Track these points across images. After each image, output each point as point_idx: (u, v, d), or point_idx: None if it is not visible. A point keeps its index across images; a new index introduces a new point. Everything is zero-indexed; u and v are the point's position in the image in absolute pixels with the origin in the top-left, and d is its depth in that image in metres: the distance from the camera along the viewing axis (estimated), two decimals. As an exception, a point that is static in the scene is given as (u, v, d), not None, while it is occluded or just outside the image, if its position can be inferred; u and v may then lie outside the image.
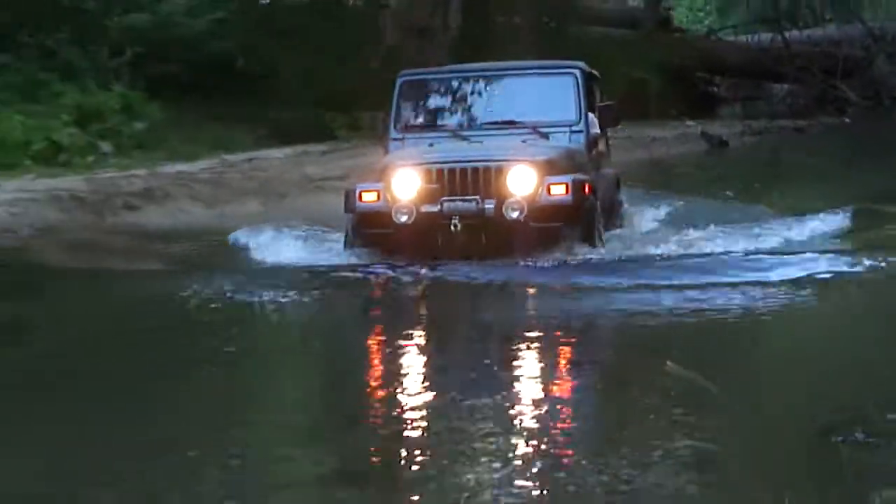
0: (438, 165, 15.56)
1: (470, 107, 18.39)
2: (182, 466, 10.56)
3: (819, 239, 21.87)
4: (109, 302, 19.50)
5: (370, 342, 15.12)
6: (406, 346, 14.57)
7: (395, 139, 17.34)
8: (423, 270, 16.09)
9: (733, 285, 17.64)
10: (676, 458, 10.79)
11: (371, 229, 15.56)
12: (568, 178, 15.57)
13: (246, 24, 35.86)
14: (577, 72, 17.93)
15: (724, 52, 46.29)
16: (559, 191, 15.08)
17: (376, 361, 14.47)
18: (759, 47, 46.06)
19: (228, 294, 18.04)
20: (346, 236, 17.04)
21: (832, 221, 23.27)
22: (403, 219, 14.87)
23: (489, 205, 14.84)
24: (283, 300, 17.42)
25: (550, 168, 15.41)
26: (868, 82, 41.57)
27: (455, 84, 18.89)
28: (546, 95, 18.16)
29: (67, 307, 19.21)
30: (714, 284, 17.55)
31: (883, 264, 19.00)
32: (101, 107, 32.53)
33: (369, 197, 15.48)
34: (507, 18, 37.86)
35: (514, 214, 14.55)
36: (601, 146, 19.39)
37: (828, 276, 18.76)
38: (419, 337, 14.95)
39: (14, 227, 25.33)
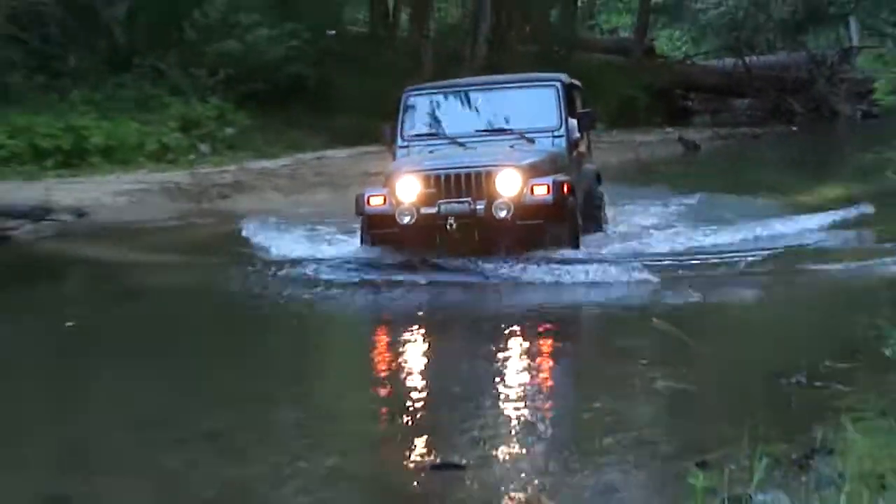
0: (435, 171, 15.33)
1: (465, 116, 18.07)
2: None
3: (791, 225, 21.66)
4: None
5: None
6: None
7: (401, 147, 17.13)
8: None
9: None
10: (656, 394, 10.82)
11: (378, 230, 15.32)
12: (549, 179, 15.28)
13: (315, 51, 35.75)
14: (557, 83, 17.79)
15: (697, 74, 46.40)
16: (541, 191, 14.84)
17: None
18: (724, 70, 46.15)
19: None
20: (361, 235, 16.71)
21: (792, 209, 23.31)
22: (406, 220, 14.63)
23: (480, 205, 14.64)
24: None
25: (534, 171, 15.16)
26: (811, 98, 41.74)
27: (452, 97, 18.53)
28: (531, 105, 17.75)
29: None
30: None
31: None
32: (199, 116, 32.98)
33: (376, 201, 15.20)
34: (525, 47, 37.83)
35: (502, 213, 14.36)
36: (582, 147, 19.01)
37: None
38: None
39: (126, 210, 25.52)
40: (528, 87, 18.46)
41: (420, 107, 17.71)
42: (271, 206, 27.42)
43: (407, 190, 14.74)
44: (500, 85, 19.06)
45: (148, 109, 32.11)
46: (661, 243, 19.59)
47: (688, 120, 41.62)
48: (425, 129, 17.46)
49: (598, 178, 18.09)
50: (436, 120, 17.53)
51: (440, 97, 18.31)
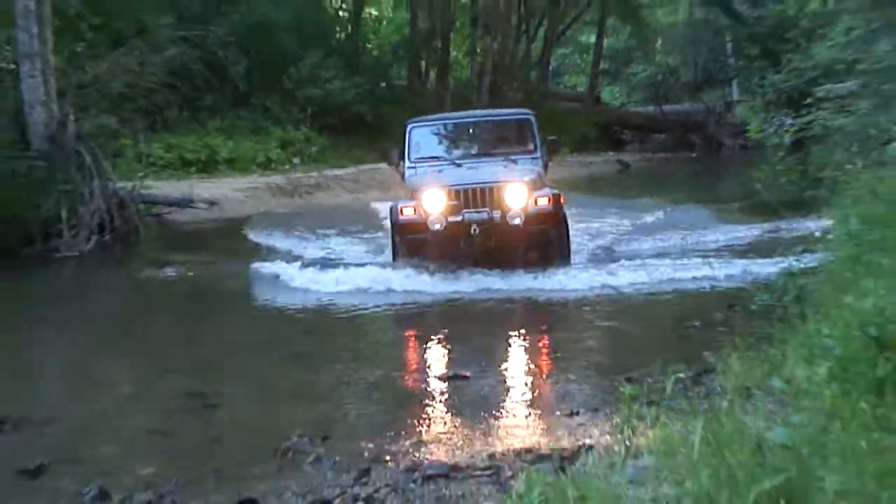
0: (458, 186, 14.09)
1: (460, 142, 16.90)
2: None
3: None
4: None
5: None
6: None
7: (409, 167, 15.81)
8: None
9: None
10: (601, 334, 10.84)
11: (411, 235, 14.38)
12: (548, 191, 14.31)
13: (372, 97, 35.84)
14: (532, 116, 16.55)
15: (629, 116, 46.20)
16: (544, 202, 13.90)
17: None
18: (647, 114, 45.89)
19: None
20: (393, 249, 15.24)
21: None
22: (437, 227, 13.78)
23: (496, 214, 13.66)
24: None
25: (534, 185, 14.12)
26: (705, 135, 41.65)
27: (448, 126, 17.38)
28: (513, 133, 16.84)
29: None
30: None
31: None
32: (293, 139, 32.92)
33: (408, 211, 14.26)
34: (514, 95, 37.66)
35: (516, 220, 13.45)
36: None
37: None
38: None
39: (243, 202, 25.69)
40: (508, 118, 17.68)
41: (422, 135, 16.48)
42: (339, 200, 27.83)
43: (434, 202, 13.80)
44: (486, 117, 18.10)
45: (258, 133, 32.20)
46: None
47: (623, 147, 41.45)
48: (428, 153, 16.15)
49: None
50: (436, 145, 16.57)
51: (438, 127, 17.24)
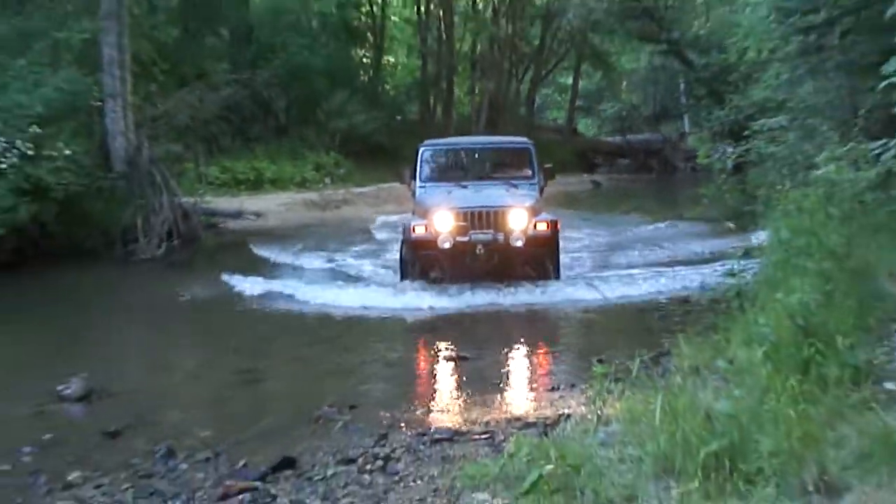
0: (466, 209, 13.11)
1: (466, 166, 15.56)
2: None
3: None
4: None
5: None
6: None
7: (420, 186, 14.64)
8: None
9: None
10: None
11: (423, 251, 13.47)
12: (546, 217, 13.42)
13: (389, 128, 35.82)
14: (531, 145, 15.31)
15: (600, 144, 46.19)
16: (542, 227, 13.01)
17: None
18: (615, 143, 45.96)
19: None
20: (402, 270, 14.30)
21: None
22: (446, 245, 12.96)
23: (500, 236, 12.78)
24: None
25: (533, 210, 13.19)
26: (662, 159, 41.54)
27: (456, 150, 16.25)
28: (514, 159, 15.46)
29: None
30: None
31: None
32: (325, 162, 32.64)
33: (420, 230, 13.35)
34: (505, 128, 37.14)
35: (518, 242, 12.61)
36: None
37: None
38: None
39: (284, 214, 25.61)
40: (510, 145, 16.13)
41: (433, 157, 15.28)
42: (362, 213, 27.72)
43: (444, 222, 12.90)
44: (491, 144, 16.59)
45: (296, 158, 32.02)
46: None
47: (595, 170, 41.07)
48: (437, 174, 15.00)
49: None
50: (445, 167, 15.29)
51: (448, 150, 16.06)
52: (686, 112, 42.33)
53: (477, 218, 13.12)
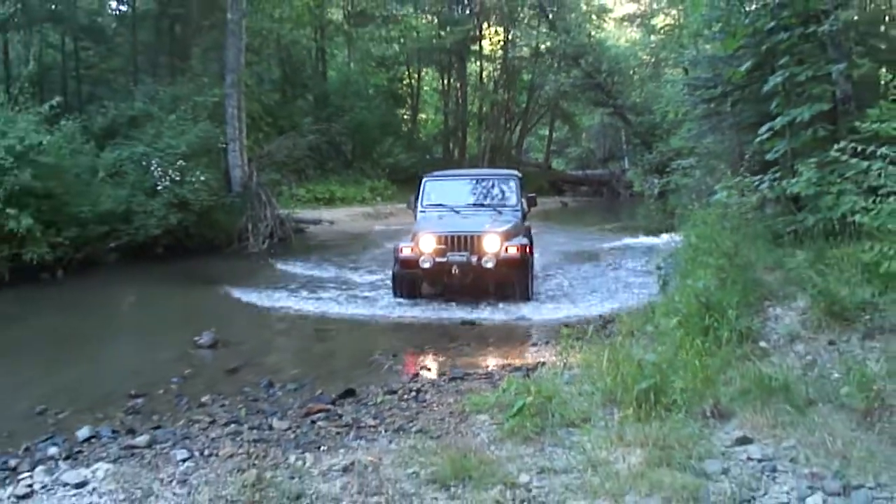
0: (445, 233, 11.26)
1: (461, 194, 12.86)
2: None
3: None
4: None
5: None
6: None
7: (421, 212, 12.64)
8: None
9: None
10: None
11: (408, 269, 11.42)
12: (517, 241, 11.43)
13: (422, 163, 35.46)
14: (516, 177, 13.16)
15: (567, 176, 45.34)
16: (513, 251, 11.09)
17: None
18: (577, 175, 45.34)
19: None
20: (393, 285, 12.07)
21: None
22: (427, 265, 10.98)
23: (474, 258, 10.95)
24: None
25: (506, 235, 11.29)
26: (610, 188, 41.08)
27: (453, 181, 13.54)
28: (501, 188, 12.95)
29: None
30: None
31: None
32: (377, 186, 32.25)
33: (406, 251, 11.40)
34: (501, 162, 36.57)
35: (489, 264, 10.79)
36: (526, 219, 13.30)
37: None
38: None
39: (349, 222, 25.56)
40: (499, 176, 13.51)
41: (433, 186, 13.03)
42: (403, 220, 27.55)
43: (426, 244, 11.13)
44: (483, 175, 13.95)
45: (358, 183, 31.71)
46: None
47: (563, 194, 40.47)
48: (436, 201, 12.72)
49: (530, 231, 13.27)
50: (442, 195, 12.79)
51: (446, 180, 13.55)
52: (626, 154, 42.25)
53: (454, 241, 11.17)
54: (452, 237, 11.12)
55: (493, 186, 12.97)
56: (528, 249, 11.60)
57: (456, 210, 12.29)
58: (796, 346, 5.87)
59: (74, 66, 22.51)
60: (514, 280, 11.29)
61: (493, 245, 10.96)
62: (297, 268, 15.62)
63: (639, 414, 4.89)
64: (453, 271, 10.96)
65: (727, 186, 8.26)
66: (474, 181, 13.24)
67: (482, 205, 12.51)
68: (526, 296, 11.32)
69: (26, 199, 14.01)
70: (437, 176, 13.56)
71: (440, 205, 12.48)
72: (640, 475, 4.04)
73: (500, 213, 12.15)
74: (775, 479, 3.99)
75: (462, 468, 4.37)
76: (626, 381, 5.25)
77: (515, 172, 13.55)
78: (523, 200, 12.73)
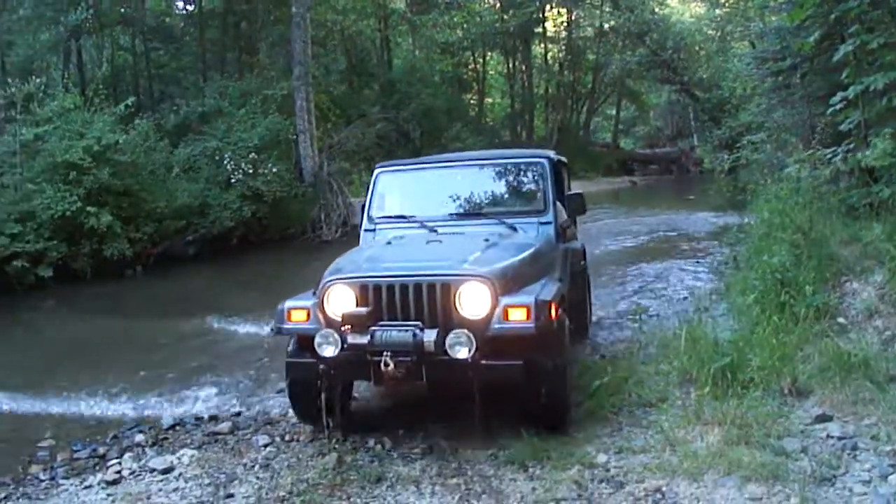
0: (374, 280, 4.77)
1: (440, 197, 6.41)
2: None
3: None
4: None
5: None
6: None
7: (367, 230, 6.51)
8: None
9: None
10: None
11: (298, 358, 4.91)
12: (530, 297, 4.56)
13: (490, 149, 35.35)
14: (545, 160, 6.34)
15: (636, 155, 44.35)
16: (519, 315, 4.48)
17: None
18: (646, 154, 44.56)
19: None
20: (289, 395, 5.30)
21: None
22: (327, 351, 4.61)
23: (430, 336, 4.41)
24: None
25: (509, 282, 4.73)
26: (679, 165, 40.28)
27: (427, 174, 6.80)
28: (519, 183, 6.55)
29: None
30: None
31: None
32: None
33: (298, 316, 4.95)
34: (569, 144, 36.21)
35: (461, 352, 4.36)
36: (569, 233, 6.74)
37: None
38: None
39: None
40: (512, 163, 6.62)
41: (391, 185, 6.71)
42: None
43: (336, 302, 4.88)
44: (480, 161, 6.94)
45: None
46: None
47: (632, 173, 39.77)
48: (394, 211, 6.45)
49: (584, 255, 7.74)
50: (407, 200, 6.60)
51: (414, 174, 6.85)
52: (695, 131, 41.52)
53: (391, 296, 4.74)
54: (389, 286, 4.79)
55: (502, 180, 6.66)
56: (553, 312, 4.70)
57: (431, 227, 6.11)
58: (875, 322, 5.75)
59: (145, 67, 23.01)
60: (521, 382, 4.60)
61: (476, 303, 4.66)
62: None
63: (715, 392, 4.88)
64: (383, 366, 4.51)
65: (799, 160, 8.11)
66: (468, 172, 6.87)
67: (479, 214, 6.32)
68: (558, 419, 4.87)
69: (105, 196, 14.56)
70: (398, 166, 7.12)
71: (402, 217, 6.42)
72: (719, 454, 4.04)
73: (511, 229, 5.99)
74: (856, 457, 3.95)
75: (540, 449, 4.41)
76: (703, 359, 5.23)
77: (548, 153, 6.71)
78: (559, 204, 6.33)
